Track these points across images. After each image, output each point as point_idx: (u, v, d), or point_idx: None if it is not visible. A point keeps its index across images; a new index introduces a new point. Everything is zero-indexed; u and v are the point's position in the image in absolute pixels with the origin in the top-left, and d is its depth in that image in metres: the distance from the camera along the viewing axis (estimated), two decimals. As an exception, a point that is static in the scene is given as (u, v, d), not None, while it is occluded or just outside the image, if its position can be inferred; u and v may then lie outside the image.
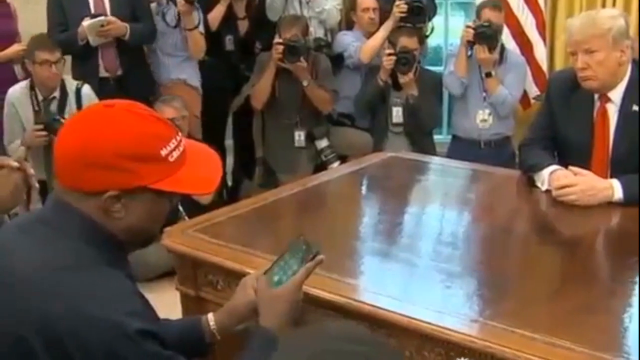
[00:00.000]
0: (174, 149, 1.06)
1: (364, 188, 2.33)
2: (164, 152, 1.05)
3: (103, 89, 3.30)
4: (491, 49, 3.42)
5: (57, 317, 0.96)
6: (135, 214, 1.05)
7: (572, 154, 2.11)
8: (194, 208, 2.04)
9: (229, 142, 4.12)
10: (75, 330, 0.95)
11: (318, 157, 3.62)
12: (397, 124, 3.61)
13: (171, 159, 1.06)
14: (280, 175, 3.60)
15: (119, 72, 3.42)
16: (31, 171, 1.42)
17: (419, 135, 3.62)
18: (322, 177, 2.36)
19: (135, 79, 3.47)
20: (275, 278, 1.26)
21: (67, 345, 0.94)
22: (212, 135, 3.59)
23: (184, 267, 1.68)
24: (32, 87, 3.15)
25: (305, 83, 3.47)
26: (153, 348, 0.99)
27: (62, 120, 3.08)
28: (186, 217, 2.67)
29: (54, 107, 3.18)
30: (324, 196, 2.24)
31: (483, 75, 3.51)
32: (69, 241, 1.03)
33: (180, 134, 1.10)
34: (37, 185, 1.46)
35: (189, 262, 1.66)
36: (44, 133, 3.05)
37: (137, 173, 1.03)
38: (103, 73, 3.40)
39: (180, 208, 2.91)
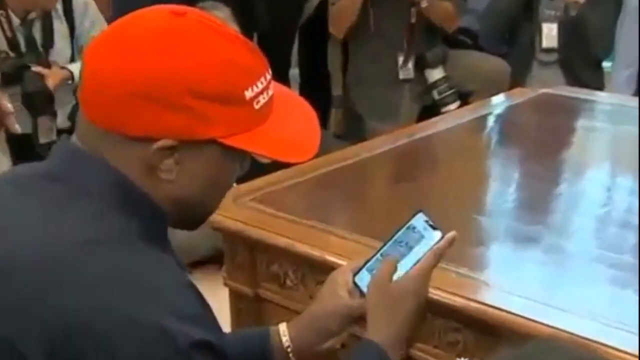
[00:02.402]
0: (261, 92, 1.05)
1: (496, 141, 2.31)
2: (248, 94, 1.04)
3: None
4: None
5: (74, 317, 0.96)
6: (190, 176, 1.05)
7: None
8: (248, 169, 2.08)
9: (293, 71, 4.16)
10: (102, 337, 0.95)
11: (428, 94, 3.61)
12: (548, 50, 3.56)
13: (256, 106, 1.05)
14: (369, 122, 3.62)
15: None
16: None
17: (582, 66, 3.55)
18: (435, 124, 2.36)
19: None
20: None
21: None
22: (273, 60, 3.60)
23: (237, 253, 1.72)
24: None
25: (424, 4, 3.47)
26: None
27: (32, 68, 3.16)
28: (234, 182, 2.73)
29: (36, 31, 3.26)
30: (436, 153, 2.24)
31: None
32: (94, 204, 1.03)
33: (270, 70, 1.09)
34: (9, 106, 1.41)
35: (244, 246, 1.70)
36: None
37: (207, 118, 1.02)
38: None
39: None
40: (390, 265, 1.26)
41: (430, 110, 3.53)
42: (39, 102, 3.11)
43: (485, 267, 1.56)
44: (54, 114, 3.13)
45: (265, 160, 3.14)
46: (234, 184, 2.31)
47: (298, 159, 1.14)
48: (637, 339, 1.30)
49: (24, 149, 2.95)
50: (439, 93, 3.58)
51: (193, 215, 1.13)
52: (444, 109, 3.48)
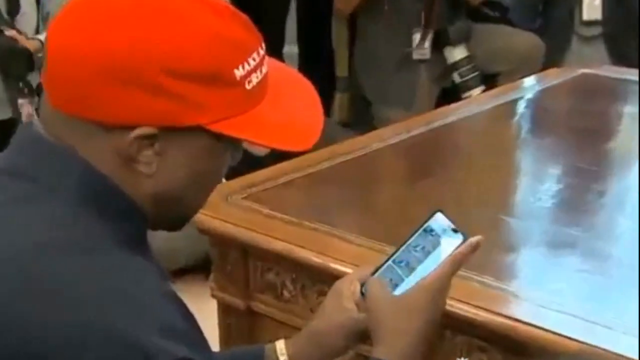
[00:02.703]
0: (254, 70, 1.06)
1: (527, 130, 2.31)
2: (238, 73, 1.04)
3: None
4: None
5: (36, 330, 0.96)
6: (172, 169, 1.05)
7: None
8: (241, 162, 2.07)
9: (290, 50, 4.16)
10: (70, 355, 0.95)
11: (448, 76, 3.62)
12: (590, 22, 3.57)
13: (248, 86, 1.05)
14: (379, 108, 3.64)
15: None
16: None
17: (630, 41, 3.54)
18: (456, 111, 2.36)
19: None
20: (399, 278, 1.28)
21: None
22: (264, 34, 3.62)
23: (227, 259, 1.72)
24: None
25: None
26: None
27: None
28: (223, 179, 2.73)
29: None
30: (457, 144, 2.23)
31: None
32: (61, 204, 1.04)
33: (264, 44, 1.10)
34: None
35: (234, 251, 1.70)
36: None
37: (191, 101, 1.02)
38: None
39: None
40: (376, 283, 1.27)
41: (450, 94, 3.54)
42: (17, 62, 3.17)
43: (514, 276, 1.56)
44: (32, 93, 3.18)
45: (259, 151, 3.15)
46: (224, 179, 2.32)
47: (298, 147, 1.13)
48: (638, 341, 1.32)
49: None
50: (461, 75, 3.59)
51: (175, 214, 1.13)
52: (465, 94, 3.49)
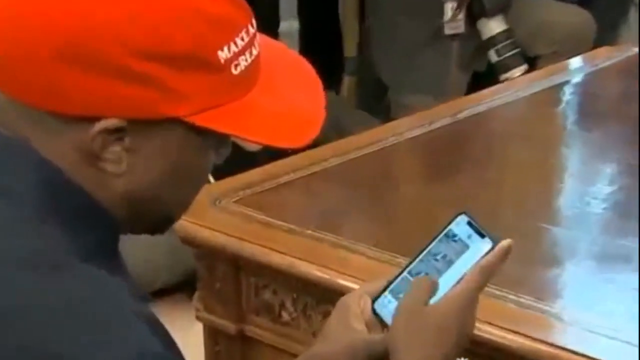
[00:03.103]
0: (242, 51, 1.07)
1: (573, 121, 2.32)
2: (223, 55, 1.05)
3: None
4: None
5: None
6: (146, 168, 1.06)
7: None
8: (232, 159, 2.06)
9: (290, 26, 4.20)
10: None
11: (482, 55, 3.63)
12: None
13: (235, 71, 1.06)
14: (397, 95, 3.65)
15: None
16: None
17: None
18: (490, 98, 2.36)
19: None
20: None
21: None
22: (256, 9, 3.65)
23: (215, 275, 1.73)
24: None
25: None
26: None
27: None
28: (211, 178, 2.72)
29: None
30: (490, 138, 2.24)
31: None
32: (16, 210, 1.04)
33: (254, 20, 1.10)
34: None
35: (224, 265, 1.71)
36: None
37: (166, 88, 1.02)
38: None
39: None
40: (428, 285, 1.26)
41: (483, 78, 3.54)
42: None
43: (557, 296, 1.57)
44: None
45: (252, 146, 3.11)
46: (212, 179, 2.32)
47: (292, 144, 1.13)
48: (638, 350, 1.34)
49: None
50: (498, 53, 3.56)
51: (155, 214, 1.15)
52: (504, 75, 3.49)
